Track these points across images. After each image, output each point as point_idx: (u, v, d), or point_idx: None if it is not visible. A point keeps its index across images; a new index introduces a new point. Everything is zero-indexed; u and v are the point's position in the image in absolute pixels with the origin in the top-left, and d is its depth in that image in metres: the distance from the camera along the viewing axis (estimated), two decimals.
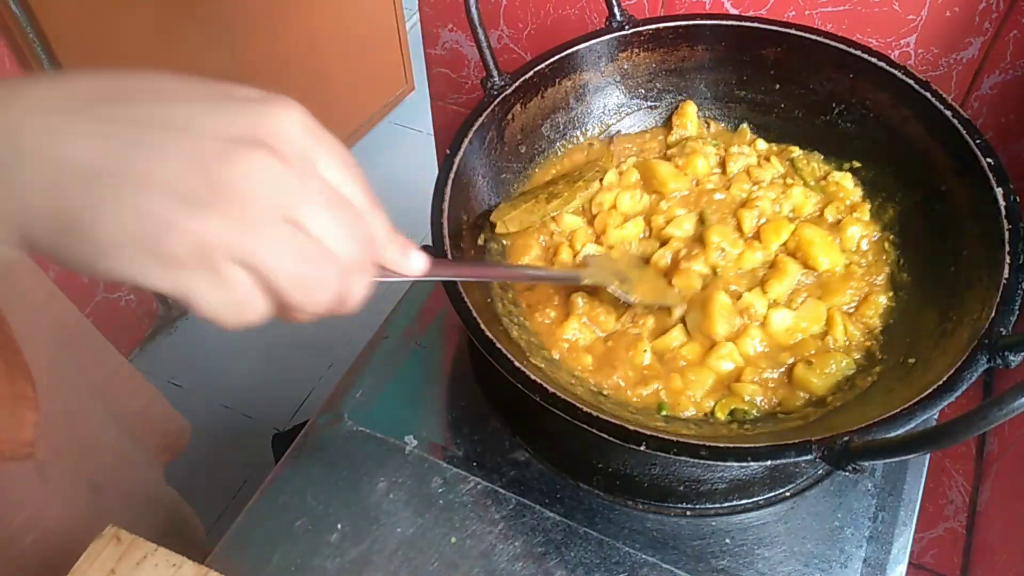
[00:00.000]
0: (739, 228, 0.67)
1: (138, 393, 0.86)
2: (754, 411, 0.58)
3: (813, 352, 0.61)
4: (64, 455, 0.66)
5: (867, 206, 0.68)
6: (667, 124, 0.76)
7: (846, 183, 0.70)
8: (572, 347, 0.62)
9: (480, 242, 0.67)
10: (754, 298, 0.62)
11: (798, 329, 0.62)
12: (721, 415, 0.58)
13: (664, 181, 0.70)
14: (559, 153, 0.75)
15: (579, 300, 0.64)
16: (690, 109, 0.75)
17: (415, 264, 0.38)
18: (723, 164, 0.72)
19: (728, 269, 0.65)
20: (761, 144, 0.74)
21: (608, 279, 0.63)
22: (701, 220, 0.68)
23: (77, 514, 0.66)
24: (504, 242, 0.69)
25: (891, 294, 0.64)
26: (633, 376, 0.61)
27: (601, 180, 0.71)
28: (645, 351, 0.61)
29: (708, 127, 0.77)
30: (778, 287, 0.63)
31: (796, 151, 0.73)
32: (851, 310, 0.63)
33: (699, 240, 0.66)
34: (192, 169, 0.28)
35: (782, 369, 0.60)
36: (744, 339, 0.61)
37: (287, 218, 0.30)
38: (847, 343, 0.61)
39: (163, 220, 0.28)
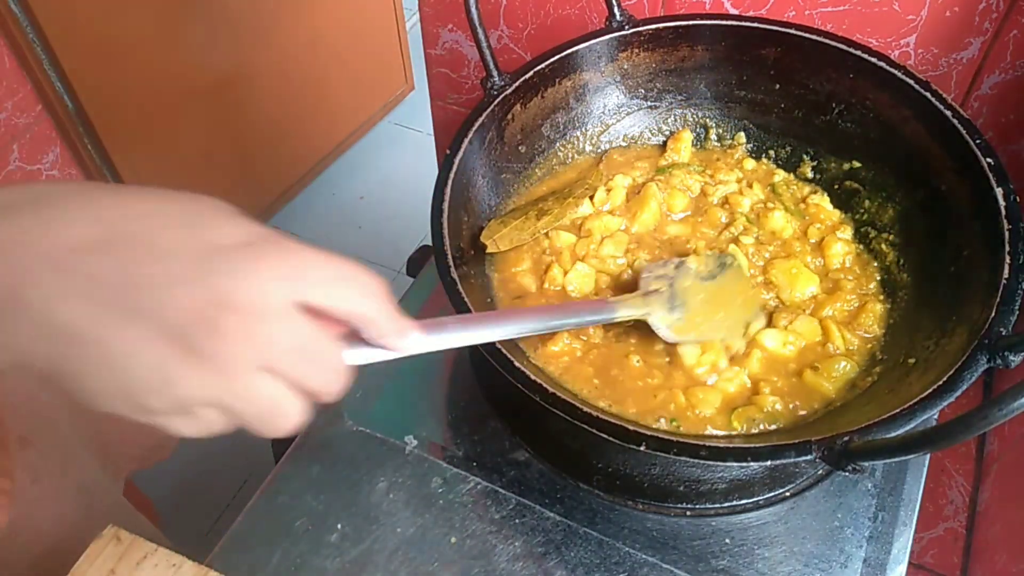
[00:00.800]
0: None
1: None
2: (779, 421, 0.58)
3: (816, 359, 0.61)
4: (52, 459, 0.66)
5: (848, 226, 0.70)
6: (663, 145, 0.77)
7: (825, 204, 0.71)
8: (571, 359, 0.62)
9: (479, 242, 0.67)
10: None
11: (794, 343, 0.62)
12: (737, 425, 0.58)
13: (647, 219, 0.71)
14: (559, 154, 0.75)
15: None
16: (686, 136, 0.76)
17: (408, 343, 0.39)
18: (705, 193, 0.73)
19: None
20: (749, 163, 0.75)
21: (654, 307, 0.56)
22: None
23: (66, 515, 0.66)
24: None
25: (884, 299, 0.64)
26: (640, 389, 0.60)
27: (591, 198, 0.71)
28: (637, 363, 0.61)
29: (706, 131, 0.77)
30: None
31: (780, 175, 0.74)
32: (847, 320, 0.63)
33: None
34: (169, 338, 0.30)
35: (792, 376, 0.60)
36: (748, 360, 0.61)
37: (261, 368, 0.32)
38: (849, 348, 0.62)
39: (143, 383, 0.31)
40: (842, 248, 0.68)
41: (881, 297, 0.65)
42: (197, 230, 0.32)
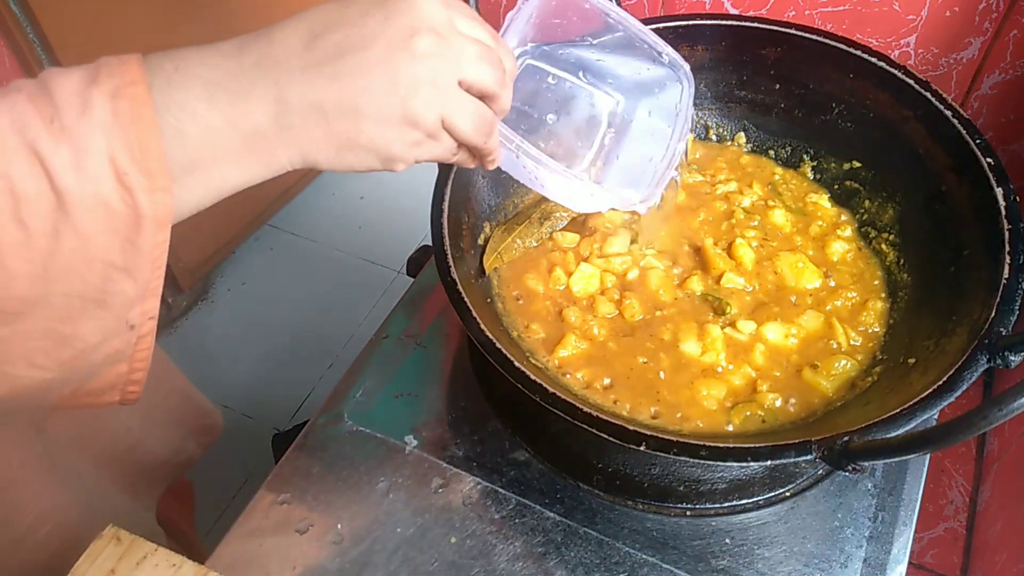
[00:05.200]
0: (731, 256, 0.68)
1: (174, 375, 0.85)
2: (778, 420, 0.58)
3: (816, 356, 0.61)
4: (71, 444, 0.66)
5: (849, 225, 0.70)
6: None
7: (823, 203, 0.71)
8: (580, 361, 0.62)
9: (480, 242, 0.67)
10: (743, 324, 0.63)
11: (797, 336, 0.62)
12: (737, 420, 0.58)
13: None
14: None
15: (571, 315, 0.64)
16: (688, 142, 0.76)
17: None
18: (706, 191, 0.73)
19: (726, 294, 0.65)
20: (745, 159, 0.75)
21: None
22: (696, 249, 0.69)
23: (84, 504, 0.66)
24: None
25: (885, 297, 0.64)
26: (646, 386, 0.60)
27: None
28: (644, 362, 0.61)
29: (706, 131, 0.77)
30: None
31: (778, 172, 0.74)
32: (849, 317, 0.64)
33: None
34: (390, 84, 0.40)
35: (793, 371, 0.61)
36: (751, 354, 0.61)
37: (461, 81, 0.42)
38: (852, 343, 0.62)
39: (385, 122, 0.41)
40: (842, 246, 0.68)
41: (883, 295, 0.65)
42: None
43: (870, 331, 0.63)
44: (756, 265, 0.67)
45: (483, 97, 0.44)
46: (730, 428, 0.58)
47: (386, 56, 0.40)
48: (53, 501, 0.63)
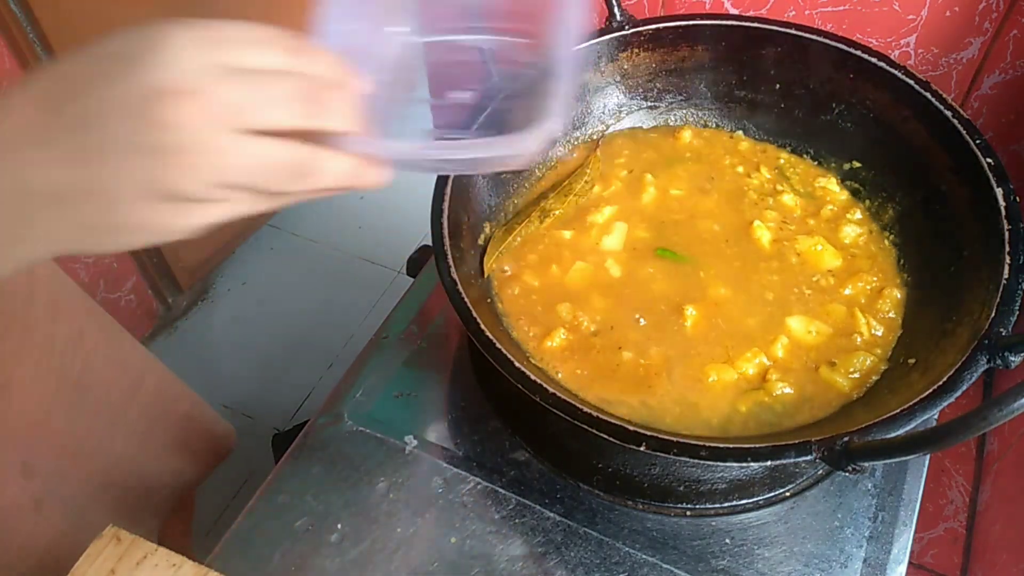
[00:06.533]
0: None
1: (180, 398, 0.85)
2: (779, 407, 0.58)
3: (834, 353, 0.61)
4: (62, 484, 0.66)
5: (858, 207, 0.70)
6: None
7: (832, 187, 0.71)
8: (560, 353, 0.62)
9: (480, 242, 0.67)
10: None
11: (819, 330, 0.62)
12: (744, 408, 0.58)
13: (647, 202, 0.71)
14: (558, 154, 0.75)
15: (563, 312, 0.64)
16: (686, 134, 0.76)
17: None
18: (711, 176, 0.73)
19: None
20: (744, 145, 0.75)
21: None
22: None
23: (71, 532, 0.66)
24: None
25: (900, 284, 0.64)
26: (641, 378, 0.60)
27: (591, 188, 0.71)
28: (627, 356, 0.61)
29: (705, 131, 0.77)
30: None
31: (784, 156, 0.74)
32: (867, 305, 0.64)
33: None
34: (143, 157, 0.32)
35: (810, 368, 0.61)
36: (772, 347, 0.61)
37: (234, 129, 0.33)
38: (873, 333, 0.62)
39: (142, 209, 0.33)
40: (854, 229, 0.68)
41: (898, 281, 0.65)
42: (103, 54, 0.35)
43: (889, 323, 0.62)
44: (774, 245, 0.66)
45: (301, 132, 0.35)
46: (743, 409, 0.58)
47: (131, 128, 0.32)
48: (35, 539, 0.63)
